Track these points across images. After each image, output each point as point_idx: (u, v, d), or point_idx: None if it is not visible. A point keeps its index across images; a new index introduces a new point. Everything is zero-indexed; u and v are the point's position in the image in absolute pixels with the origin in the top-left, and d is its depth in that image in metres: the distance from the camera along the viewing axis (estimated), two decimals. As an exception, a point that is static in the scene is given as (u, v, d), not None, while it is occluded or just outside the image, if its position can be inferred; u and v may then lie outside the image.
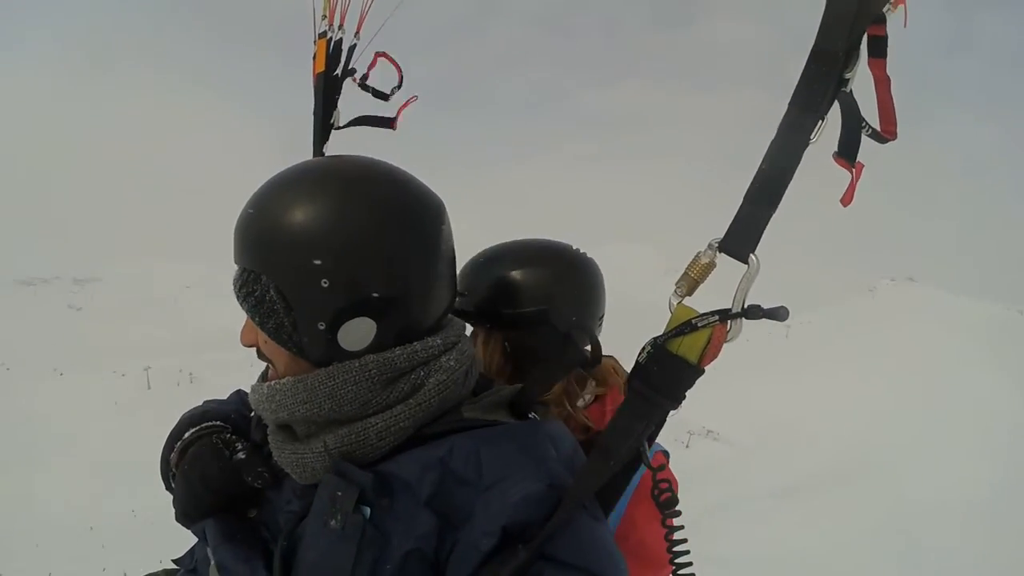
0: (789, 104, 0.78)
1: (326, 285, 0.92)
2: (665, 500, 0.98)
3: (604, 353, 1.44)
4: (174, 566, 1.39)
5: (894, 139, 0.85)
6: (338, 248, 0.92)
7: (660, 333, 0.86)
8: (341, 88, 1.70)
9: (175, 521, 1.18)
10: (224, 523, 1.09)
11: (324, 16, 1.68)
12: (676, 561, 1.00)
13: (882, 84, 0.82)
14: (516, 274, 1.51)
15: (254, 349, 1.07)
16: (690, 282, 0.85)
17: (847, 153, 0.83)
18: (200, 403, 1.45)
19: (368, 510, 0.91)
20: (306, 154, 1.71)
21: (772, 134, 0.79)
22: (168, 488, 1.30)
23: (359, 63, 1.73)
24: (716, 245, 0.83)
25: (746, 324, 0.83)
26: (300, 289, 0.94)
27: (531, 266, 1.53)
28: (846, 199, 0.87)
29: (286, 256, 0.94)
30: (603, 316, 1.64)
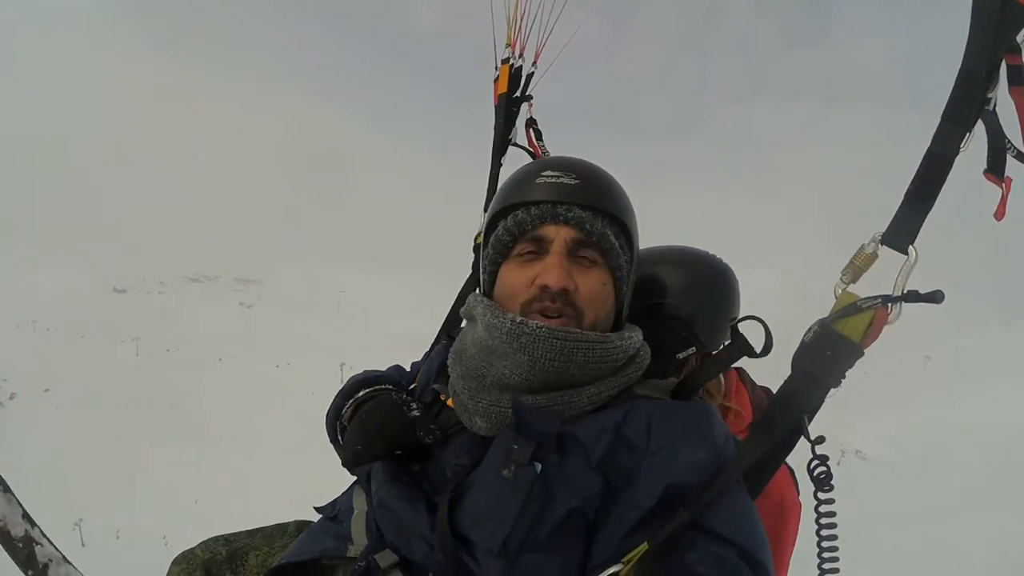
0: (941, 117, 0.87)
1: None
2: (819, 475, 1.00)
3: None
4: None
5: None
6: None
7: (825, 316, 0.93)
8: (519, 110, 1.90)
9: (341, 467, 1.27)
10: (391, 466, 1.17)
11: (507, 44, 1.90)
12: (822, 533, 1.02)
13: (1023, 109, 0.88)
14: (661, 270, 1.62)
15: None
16: (855, 270, 0.92)
17: (995, 169, 0.89)
18: (361, 372, 1.55)
19: (539, 466, 0.96)
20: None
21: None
22: (333, 440, 1.41)
23: (534, 90, 1.92)
24: (879, 238, 0.91)
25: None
26: (634, 243, 1.21)
27: (676, 265, 1.64)
28: (999, 213, 0.92)
29: (632, 213, 1.22)
30: (735, 318, 1.69)
